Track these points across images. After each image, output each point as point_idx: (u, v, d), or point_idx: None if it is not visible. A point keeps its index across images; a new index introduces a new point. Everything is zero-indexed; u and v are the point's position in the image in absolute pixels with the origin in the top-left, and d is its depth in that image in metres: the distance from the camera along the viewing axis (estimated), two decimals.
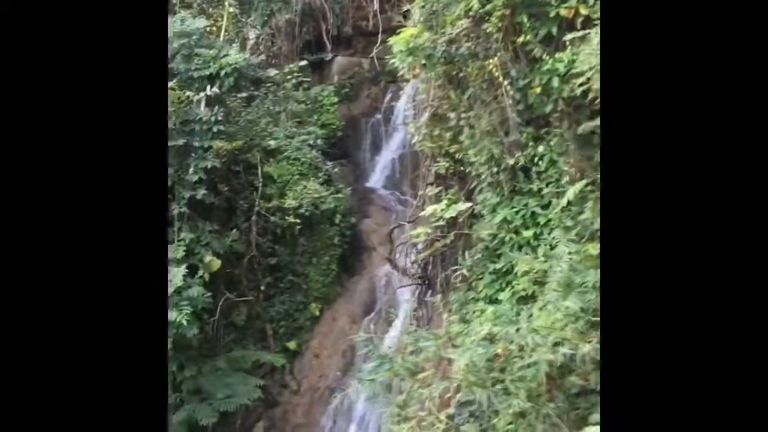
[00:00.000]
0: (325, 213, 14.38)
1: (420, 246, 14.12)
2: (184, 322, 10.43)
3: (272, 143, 14.47)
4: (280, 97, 16.42)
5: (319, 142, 15.49)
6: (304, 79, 16.50)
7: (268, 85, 16.21)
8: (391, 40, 11.35)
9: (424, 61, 10.82)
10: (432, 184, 13.65)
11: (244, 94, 14.53)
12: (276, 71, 15.96)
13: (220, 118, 11.95)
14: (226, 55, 12.53)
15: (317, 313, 14.18)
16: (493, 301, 10.96)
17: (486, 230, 11.13)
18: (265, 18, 16.72)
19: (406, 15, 21.86)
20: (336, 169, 15.79)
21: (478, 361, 7.35)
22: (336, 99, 18.19)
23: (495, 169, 11.05)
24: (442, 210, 11.32)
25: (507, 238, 10.89)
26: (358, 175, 18.47)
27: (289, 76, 15.99)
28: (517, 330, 7.26)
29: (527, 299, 10.30)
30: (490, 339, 7.93)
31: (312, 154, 15.05)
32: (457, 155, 12.50)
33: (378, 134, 19.25)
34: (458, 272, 12.81)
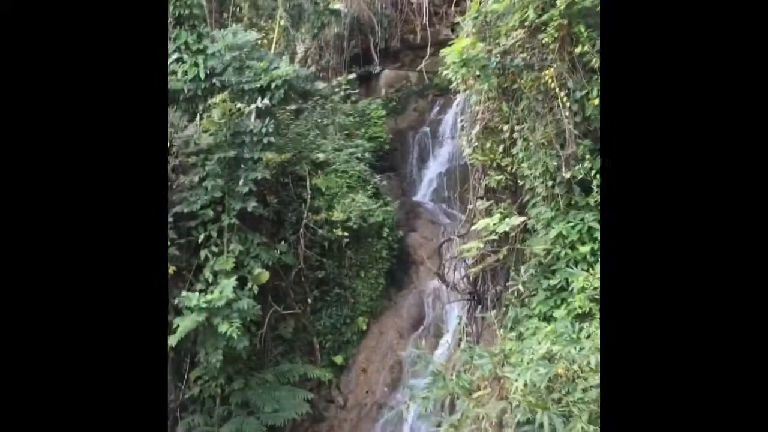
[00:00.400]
0: (373, 226, 14.19)
1: (470, 261, 13.86)
2: (235, 335, 10.31)
3: (321, 156, 14.36)
4: (328, 110, 16.34)
5: (366, 155, 15.36)
6: (352, 92, 16.34)
7: (316, 98, 16.13)
8: (443, 51, 11.17)
9: (478, 73, 10.60)
10: (482, 197, 13.37)
11: (293, 107, 14.46)
12: (324, 84, 15.86)
13: (270, 129, 11.86)
14: (277, 67, 12.46)
15: (364, 327, 13.97)
16: (547, 318, 10.64)
17: (540, 245, 10.82)
18: (315, 31, 16.68)
19: (454, 28, 21.79)
20: (384, 182, 15.61)
21: (538, 381, 7.05)
22: (383, 112, 18.08)
23: (550, 183, 10.75)
24: (495, 224, 11.02)
25: (562, 254, 10.57)
26: (404, 188, 18.30)
27: (337, 89, 15.87)
28: (580, 349, 6.95)
29: (584, 317, 9.97)
30: (549, 358, 7.62)
31: (360, 167, 14.90)
32: (509, 168, 12.25)
33: (425, 148, 19.08)
34: (511, 288, 12.54)
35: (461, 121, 15.21)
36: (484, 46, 10.63)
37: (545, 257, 10.89)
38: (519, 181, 11.74)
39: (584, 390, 6.67)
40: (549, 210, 10.82)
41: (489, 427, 7.26)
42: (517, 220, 10.87)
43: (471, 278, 13.56)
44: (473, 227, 11.45)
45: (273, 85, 12.33)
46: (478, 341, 13.32)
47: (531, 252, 11.22)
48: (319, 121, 16.00)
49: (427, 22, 21.14)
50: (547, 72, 10.36)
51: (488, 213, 12.94)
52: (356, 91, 16.93)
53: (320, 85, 15.95)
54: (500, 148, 12.28)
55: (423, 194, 18.16)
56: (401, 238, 15.27)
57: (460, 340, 13.53)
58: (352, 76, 16.18)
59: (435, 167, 18.56)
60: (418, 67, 20.75)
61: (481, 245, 11.13)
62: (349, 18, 19.12)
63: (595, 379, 6.75)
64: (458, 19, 21.26)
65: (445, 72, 11.01)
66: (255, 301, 11.23)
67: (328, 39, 19.05)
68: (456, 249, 14.41)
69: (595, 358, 6.77)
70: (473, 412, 7.61)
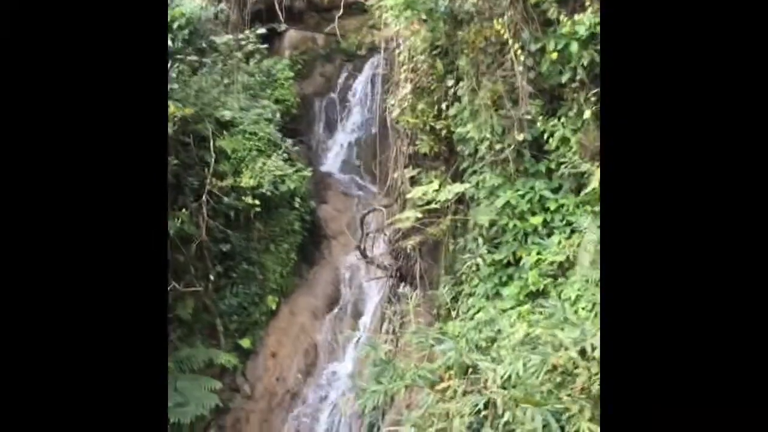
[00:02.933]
0: (285, 195, 12.54)
1: (392, 234, 12.46)
2: None
3: (226, 114, 12.49)
4: (230, 66, 14.37)
5: (277, 115, 13.55)
6: (260, 49, 14.48)
7: (215, 55, 14.15)
8: None
9: (424, 17, 9.14)
10: (408, 166, 12.00)
11: (193, 58, 12.45)
12: (228, 36, 13.90)
13: (173, 75, 9.90)
14: (179, 5, 10.46)
15: (274, 306, 12.31)
16: (491, 296, 9.40)
17: (485, 216, 9.55)
18: None
19: None
20: (296, 147, 13.93)
21: (530, 372, 5.74)
22: (291, 73, 16.29)
23: (499, 147, 9.49)
24: (435, 191, 9.65)
25: (510, 225, 9.32)
26: (310, 158, 16.57)
27: (244, 42, 13.95)
28: (580, 334, 5.69)
29: (537, 295, 8.80)
30: (531, 343, 6.33)
31: (270, 129, 13.16)
32: (443, 132, 10.90)
33: (332, 115, 17.48)
34: (443, 264, 11.26)
35: (387, 82, 13.78)
36: None
37: (488, 229, 9.65)
38: (457, 146, 10.43)
39: (586, 381, 5.43)
40: (495, 177, 9.56)
41: (462, 426, 5.89)
42: (460, 187, 9.56)
43: (395, 253, 12.20)
44: (409, 195, 10.05)
45: (175, 26, 10.36)
46: (402, 322, 11.99)
47: (473, 223, 9.95)
48: (219, 79, 14.00)
49: None
50: (499, 20, 9.05)
51: (415, 182, 11.62)
52: (265, 45, 14.98)
53: (223, 37, 13.98)
54: (434, 110, 10.94)
55: (331, 164, 16.59)
56: (313, 209, 13.66)
57: (383, 321, 12.18)
58: (261, 30, 14.25)
59: (344, 136, 17.04)
60: (326, 29, 19.14)
61: (419, 215, 9.73)
62: None
63: (597, 367, 5.54)
64: None
65: (385, 16, 9.48)
66: None
67: None
68: (382, 220, 13.01)
69: (594, 342, 5.55)
70: (439, 408, 6.25)
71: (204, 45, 12.54)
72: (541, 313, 6.94)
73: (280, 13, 18.16)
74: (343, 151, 16.74)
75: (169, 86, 9.96)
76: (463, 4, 9.22)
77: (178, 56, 10.71)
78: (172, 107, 10.33)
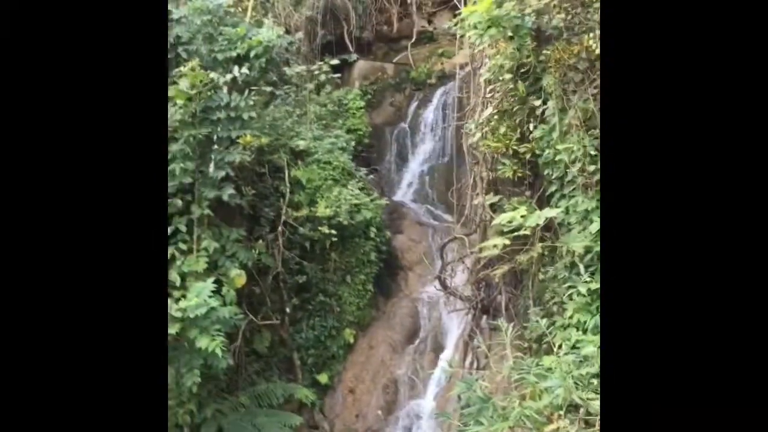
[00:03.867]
0: (360, 225, 12.09)
1: (472, 264, 11.88)
2: (219, 351, 7.96)
3: (301, 143, 12.20)
4: (303, 96, 14.17)
5: (350, 144, 13.22)
6: (331, 78, 14.27)
7: (287, 87, 13.97)
8: (464, 10, 9.21)
9: (510, 33, 8.65)
10: (488, 192, 11.46)
11: (268, 88, 12.24)
12: (303, 67, 13.70)
13: (250, 103, 9.64)
14: (256, 33, 10.26)
15: (351, 340, 11.80)
16: (591, 329, 8.68)
17: (578, 242, 8.90)
18: (291, 6, 14.52)
19: (431, 20, 19.98)
20: (371, 176, 13.54)
21: None
22: (362, 103, 16.08)
23: (591, 168, 8.86)
24: (522, 217, 9.03)
25: None
26: (383, 188, 16.24)
27: (317, 71, 13.73)
28: None
29: None
30: None
31: (344, 158, 12.79)
32: (526, 156, 10.34)
33: (404, 145, 17.16)
34: (528, 293, 10.61)
35: (462, 108, 13.33)
36: (513, 5, 8.71)
37: (583, 256, 8.99)
38: (543, 170, 9.84)
39: None
40: (587, 201, 8.92)
41: None
42: (551, 212, 8.91)
43: (476, 284, 11.60)
44: (494, 222, 9.47)
45: (252, 54, 10.13)
46: (487, 357, 11.33)
47: (563, 251, 9.30)
48: (291, 110, 13.79)
49: (401, 13, 19.34)
50: (590, 35, 8.50)
51: (496, 209, 11.06)
52: (338, 75, 14.75)
53: (297, 68, 13.78)
54: (516, 133, 10.39)
55: (404, 194, 16.22)
56: (389, 239, 13.19)
57: (466, 355, 11.55)
58: (335, 61, 14.02)
59: (415, 165, 16.69)
60: (396, 59, 18.92)
61: (507, 242, 9.12)
62: (323, 1, 17.04)
63: None
64: (434, 9, 19.56)
65: (468, 34, 9.02)
66: (236, 308, 8.95)
67: (298, 24, 16.88)
68: (461, 250, 12.46)
69: None
70: None
71: (276, 76, 12.31)
72: None
73: (349, 44, 18.10)
74: (416, 180, 16.38)
75: (245, 114, 9.67)
76: (551, 20, 8.72)
77: (254, 86, 10.46)
78: (248, 137, 10.07)
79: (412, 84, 18.27)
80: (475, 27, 8.80)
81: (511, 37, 8.60)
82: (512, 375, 6.67)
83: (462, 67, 14.15)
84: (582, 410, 5.92)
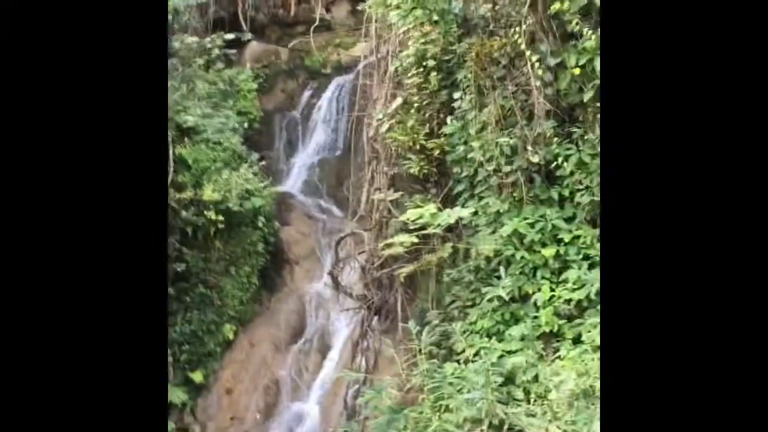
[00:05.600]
0: (249, 213, 11.15)
1: (367, 261, 11.24)
2: None
3: (189, 119, 11.07)
4: (192, 71, 13.00)
5: (244, 127, 12.25)
6: (227, 52, 13.22)
7: (174, 59, 12.78)
8: None
9: (436, 17, 8.06)
10: (389, 188, 10.88)
11: None
12: (193, 39, 12.56)
13: None
14: None
15: (231, 336, 10.82)
16: (493, 335, 8.24)
17: (488, 244, 8.45)
18: None
19: (329, 8, 19.19)
20: (263, 162, 12.61)
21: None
22: (254, 85, 15.08)
23: (507, 169, 8.43)
24: (432, 215, 8.47)
25: (517, 257, 8.22)
26: (269, 176, 15.28)
27: (209, 45, 12.62)
28: None
29: (550, 336, 7.72)
30: (587, 396, 5.20)
31: (235, 140, 11.81)
32: (435, 152, 9.83)
33: (294, 134, 16.33)
34: (424, 297, 10.10)
35: (363, 99, 12.64)
36: None
37: (489, 260, 8.55)
38: (453, 167, 9.34)
39: None
40: (499, 202, 8.49)
41: None
42: (463, 211, 8.41)
43: (371, 283, 10.96)
44: (402, 218, 8.84)
45: None
46: (376, 360, 10.71)
47: (470, 253, 8.83)
48: (177, 85, 12.59)
49: None
50: (516, 30, 8.06)
51: (397, 206, 10.50)
52: (232, 51, 13.70)
53: (189, 39, 12.62)
54: (425, 128, 9.86)
55: (292, 184, 15.35)
56: (277, 231, 12.32)
57: (355, 357, 10.86)
58: (229, 36, 12.97)
59: (306, 156, 15.92)
60: (291, 44, 17.99)
61: (415, 240, 8.53)
62: None
63: None
64: None
65: (391, 13, 8.35)
66: None
67: None
68: (352, 246, 11.77)
69: None
70: None
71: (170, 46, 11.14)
72: (582, 359, 5.84)
73: (243, 23, 16.99)
74: (305, 171, 15.57)
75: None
76: (478, 9, 8.22)
77: None
78: None
79: (307, 72, 17.46)
80: (398, 7, 8.17)
81: (436, 22, 8.00)
82: (426, 382, 6.05)
83: (366, 56, 13.50)
84: (505, 425, 5.38)
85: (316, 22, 17.68)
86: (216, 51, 13.34)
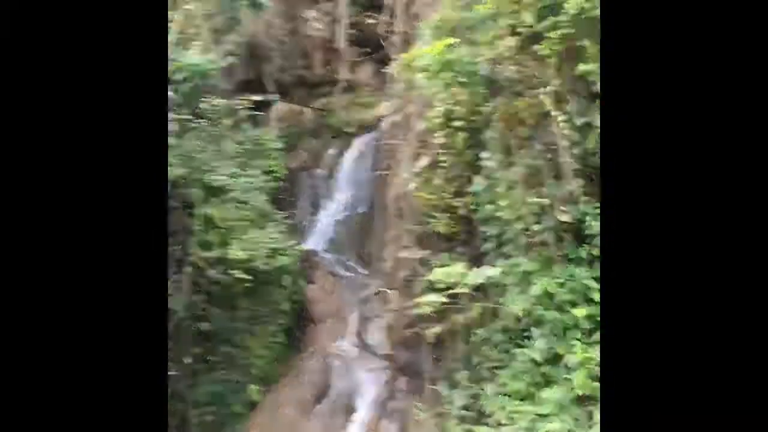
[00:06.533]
0: (275, 272, 11.09)
1: (392, 321, 11.10)
2: None
3: (217, 179, 11.12)
4: (220, 131, 13.16)
5: (270, 185, 12.30)
6: (254, 114, 13.40)
7: (203, 120, 12.95)
8: (413, 53, 8.65)
9: (463, 79, 8.11)
10: (415, 246, 10.81)
11: (186, 117, 11.19)
12: (222, 100, 12.74)
13: (177, 128, 8.61)
14: (183, 54, 9.30)
15: (257, 397, 10.62)
16: (527, 397, 8.03)
17: (518, 304, 8.31)
18: (212, 38, 13.59)
19: (354, 69, 19.47)
20: (288, 220, 12.61)
21: None
22: (280, 144, 15.18)
23: (537, 228, 8.34)
24: (461, 275, 8.38)
25: (548, 317, 8.09)
26: (294, 235, 15.29)
27: (237, 106, 12.81)
28: None
29: (584, 401, 7.50)
30: None
31: (262, 199, 11.83)
32: (461, 211, 9.78)
33: (318, 192, 16.40)
34: (452, 357, 9.91)
35: (390, 158, 12.70)
36: (469, 51, 8.22)
37: (520, 320, 8.39)
38: (481, 226, 9.27)
39: None
40: (528, 261, 8.38)
41: None
42: (493, 270, 8.32)
43: (398, 342, 10.79)
44: (431, 277, 8.74)
45: (180, 76, 9.13)
46: (403, 423, 10.45)
47: (499, 312, 8.68)
48: (205, 145, 12.73)
49: (324, 59, 18.75)
50: (543, 90, 8.09)
51: (423, 264, 10.40)
52: (260, 113, 13.92)
53: (215, 100, 12.80)
54: (452, 186, 9.85)
55: (316, 243, 15.32)
56: (302, 288, 12.23)
57: (380, 418, 10.62)
58: (257, 97, 13.18)
59: (330, 214, 15.94)
60: (314, 104, 18.21)
61: (444, 299, 8.42)
62: (246, 38, 16.20)
63: None
64: (361, 59, 19.11)
65: (419, 75, 8.42)
66: None
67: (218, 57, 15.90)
68: (379, 305, 11.66)
69: None
70: None
71: (198, 107, 11.32)
72: None
73: (269, 84, 17.25)
74: (330, 230, 15.60)
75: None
76: (504, 71, 8.26)
77: (175, 112, 9.44)
78: None
79: (330, 131, 17.63)
80: (425, 70, 8.23)
81: (463, 83, 8.04)
82: None
83: (390, 115, 13.61)
84: None
85: (341, 83, 17.97)
86: (243, 112, 13.50)
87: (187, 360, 10.33)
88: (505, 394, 8.11)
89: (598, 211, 7.93)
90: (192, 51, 9.61)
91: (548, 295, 8.07)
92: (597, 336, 7.69)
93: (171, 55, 9.56)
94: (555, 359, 7.91)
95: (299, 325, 12.24)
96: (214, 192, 11.24)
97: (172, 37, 10.21)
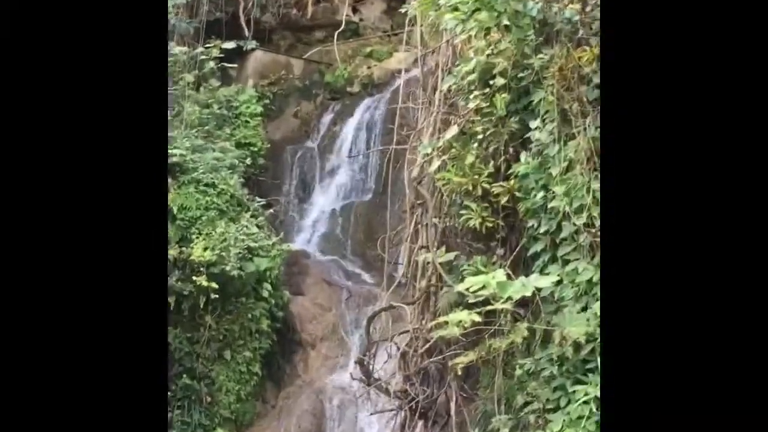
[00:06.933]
0: (250, 278, 11.19)
1: (406, 346, 11.13)
2: None
3: (174, 154, 11.19)
4: (179, 90, 13.27)
5: (245, 162, 12.42)
6: (225, 66, 13.48)
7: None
8: None
9: (507, 22, 8.08)
10: (440, 246, 10.88)
11: None
12: (182, 48, 12.84)
13: None
14: None
15: None
16: None
17: (578, 326, 8.30)
18: None
19: (356, 8, 19.52)
20: (269, 210, 12.71)
21: None
22: (258, 108, 15.31)
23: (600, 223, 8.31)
24: (500, 285, 8.34)
25: None
26: (277, 228, 15.41)
27: (201, 57, 12.91)
28: None
29: None
30: None
31: (234, 181, 11.94)
32: (500, 199, 9.77)
33: (310, 171, 16.56)
34: (487, 395, 9.95)
35: (402, 127, 12.73)
36: None
37: (578, 347, 8.39)
38: (526, 220, 9.27)
39: None
40: (591, 268, 8.37)
41: None
42: (543, 280, 8.28)
43: (415, 375, 10.86)
44: (458, 288, 8.76)
45: None
46: None
47: (550, 336, 8.68)
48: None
49: None
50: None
51: (449, 271, 10.45)
52: (232, 66, 14.04)
53: (174, 48, 12.90)
54: (488, 167, 9.84)
55: (306, 239, 15.55)
56: (286, 303, 12.34)
57: None
58: (228, 44, 13.26)
59: (325, 201, 16.20)
60: (305, 54, 18.29)
61: (477, 318, 8.41)
62: None
63: None
64: None
65: (446, 18, 8.40)
66: None
67: None
68: (388, 325, 11.72)
69: None
70: None
71: None
72: None
73: (246, 27, 17.31)
74: (325, 222, 15.80)
75: None
76: (562, 11, 8.21)
77: None
78: None
79: (327, 91, 17.82)
80: (456, 9, 8.21)
81: (507, 27, 8.02)
82: None
83: (407, 70, 13.65)
84: None
85: (341, 26, 18.05)
86: (210, 64, 13.58)
87: None
88: None
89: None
90: None
91: None
92: None
93: None
94: None
95: (283, 351, 12.46)
96: (170, 171, 11.32)
97: None
